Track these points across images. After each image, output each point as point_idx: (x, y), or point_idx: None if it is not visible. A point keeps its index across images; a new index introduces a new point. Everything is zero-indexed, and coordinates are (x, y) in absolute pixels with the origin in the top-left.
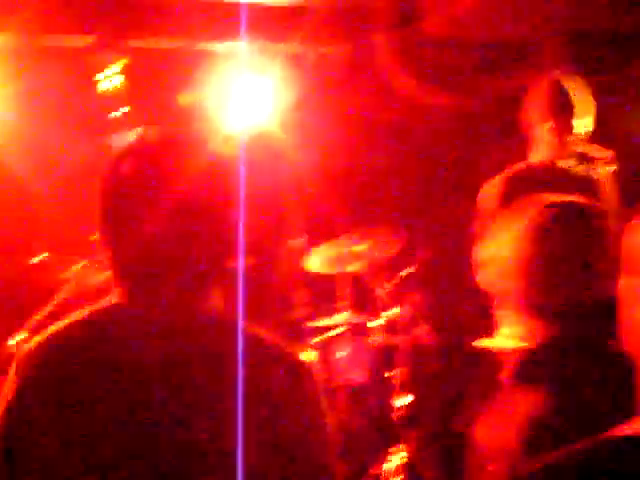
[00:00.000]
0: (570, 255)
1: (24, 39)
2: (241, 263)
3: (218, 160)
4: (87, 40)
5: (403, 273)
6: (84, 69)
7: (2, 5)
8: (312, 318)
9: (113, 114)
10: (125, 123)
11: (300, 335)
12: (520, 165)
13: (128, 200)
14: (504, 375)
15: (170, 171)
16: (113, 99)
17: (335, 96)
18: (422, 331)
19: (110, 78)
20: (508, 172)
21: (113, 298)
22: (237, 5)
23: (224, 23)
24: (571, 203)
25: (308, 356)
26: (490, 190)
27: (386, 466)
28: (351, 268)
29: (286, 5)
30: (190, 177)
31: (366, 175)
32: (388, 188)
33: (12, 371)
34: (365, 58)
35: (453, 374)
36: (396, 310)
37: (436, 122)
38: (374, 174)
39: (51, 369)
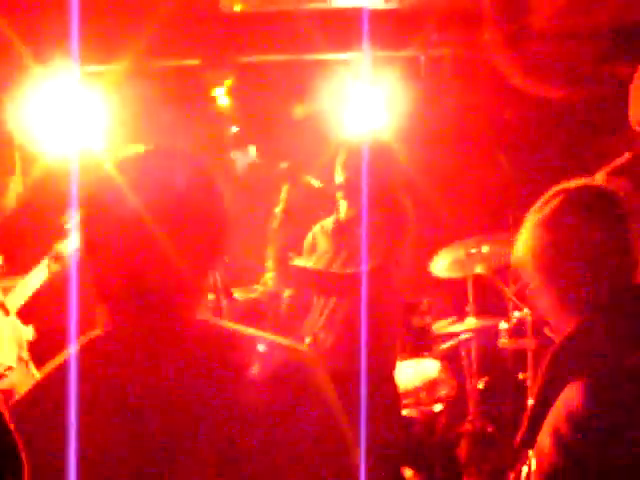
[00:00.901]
0: (584, 241)
1: (138, 64)
2: (364, 269)
3: (197, 171)
4: (199, 59)
5: None
6: (199, 88)
7: (116, 34)
8: (439, 323)
9: (230, 130)
10: (241, 138)
11: (427, 341)
12: (626, 156)
13: (103, 222)
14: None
15: (147, 185)
16: (228, 116)
17: (450, 98)
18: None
19: (223, 95)
20: (613, 164)
21: (98, 327)
22: (352, 13)
23: (337, 33)
24: (586, 187)
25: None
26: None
27: (523, 470)
28: (477, 271)
29: (396, 10)
30: (167, 189)
31: (488, 175)
32: (510, 187)
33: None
34: (477, 58)
35: None
36: (525, 311)
37: (552, 117)
38: (495, 174)
39: (44, 412)
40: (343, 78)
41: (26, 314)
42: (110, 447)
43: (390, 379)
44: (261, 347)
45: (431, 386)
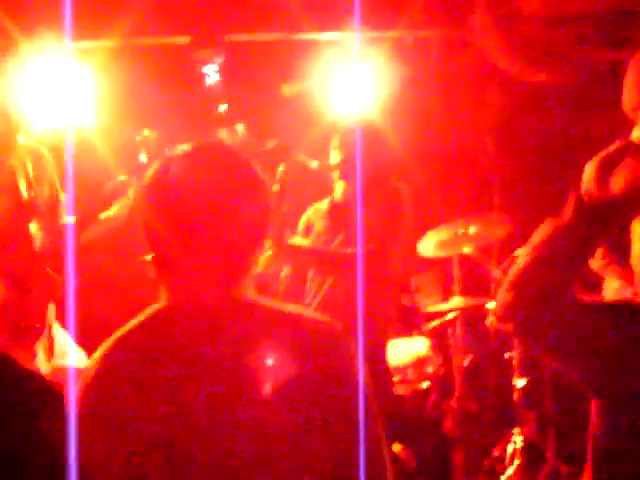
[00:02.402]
0: None
1: (127, 41)
2: (359, 250)
3: (251, 170)
4: (187, 38)
5: (516, 254)
6: (186, 66)
7: (106, 11)
8: (427, 302)
9: (218, 109)
10: (229, 118)
11: (415, 320)
12: (618, 144)
13: (169, 202)
14: None
15: (202, 172)
16: (216, 95)
17: (437, 80)
18: None
19: (212, 74)
20: (606, 151)
21: (160, 300)
22: None
23: (326, 13)
24: None
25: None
26: (588, 170)
27: (509, 447)
28: (464, 251)
29: None
30: (225, 185)
31: (475, 157)
32: (497, 169)
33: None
34: (465, 40)
35: None
36: None
37: (539, 100)
38: (482, 156)
39: (114, 373)
40: (332, 58)
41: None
42: (179, 404)
43: (383, 358)
44: (308, 323)
45: (419, 364)
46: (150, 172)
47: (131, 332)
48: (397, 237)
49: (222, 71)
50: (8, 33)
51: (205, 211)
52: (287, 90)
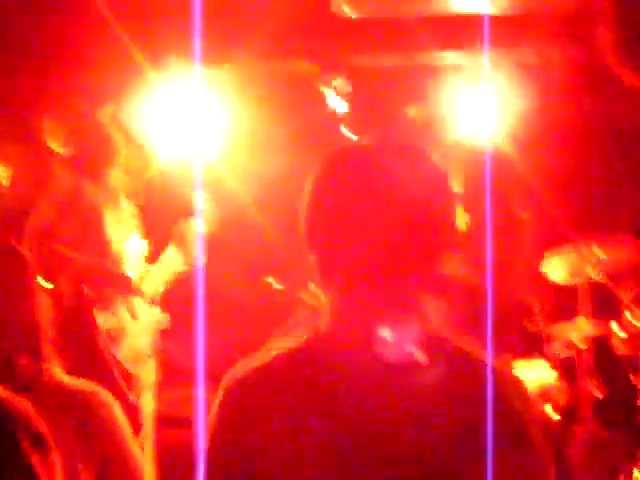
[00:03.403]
0: None
1: (255, 67)
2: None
3: (438, 170)
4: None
5: None
6: (312, 92)
7: (234, 38)
8: (552, 328)
9: (343, 132)
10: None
11: (540, 344)
12: None
13: (345, 208)
14: None
15: (389, 179)
16: (342, 119)
17: (565, 101)
18: None
19: (338, 98)
20: None
21: (323, 320)
22: (465, 17)
23: (452, 35)
24: None
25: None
26: None
27: (635, 471)
28: (592, 275)
29: (510, 14)
30: (410, 185)
31: (605, 179)
32: (627, 191)
33: (219, 399)
34: (591, 60)
35: None
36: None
37: None
38: (613, 178)
39: (258, 398)
40: (457, 80)
41: (163, 302)
42: (329, 439)
43: None
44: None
45: (544, 389)
46: (331, 166)
47: (283, 358)
48: (517, 271)
49: (349, 95)
50: (137, 60)
51: (399, 208)
52: (412, 113)
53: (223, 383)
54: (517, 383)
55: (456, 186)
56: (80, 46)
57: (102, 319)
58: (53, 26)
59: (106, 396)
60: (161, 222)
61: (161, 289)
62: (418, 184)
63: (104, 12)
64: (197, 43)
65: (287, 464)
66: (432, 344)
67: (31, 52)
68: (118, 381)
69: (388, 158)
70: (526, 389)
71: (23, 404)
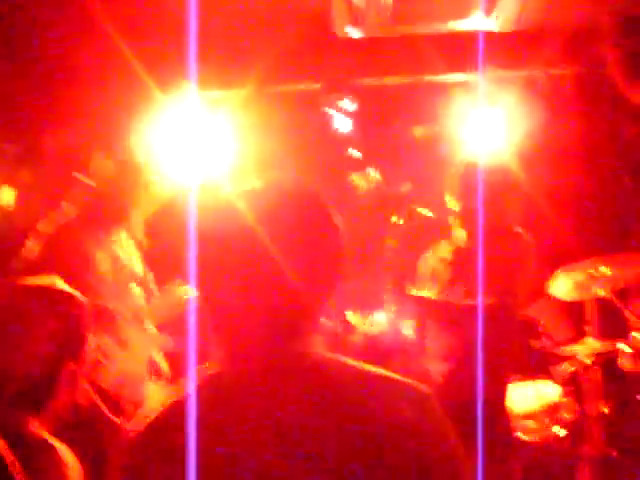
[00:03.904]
0: None
1: (260, 89)
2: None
3: (310, 204)
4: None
5: None
6: (319, 111)
7: (239, 61)
8: (559, 345)
9: (350, 153)
10: (361, 162)
11: (546, 363)
12: None
13: (224, 252)
14: None
15: (269, 209)
16: (348, 139)
17: (571, 118)
18: None
19: (344, 118)
20: None
21: (211, 364)
22: (470, 35)
23: (456, 54)
24: None
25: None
26: None
27: None
28: (598, 292)
29: (515, 31)
30: (292, 221)
31: (611, 196)
32: (631, 208)
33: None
34: (597, 76)
35: None
36: None
37: None
38: (618, 194)
39: (158, 446)
40: (463, 99)
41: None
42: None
43: (503, 411)
44: (386, 387)
45: (551, 409)
46: (214, 210)
47: (181, 405)
48: (519, 288)
49: (354, 115)
50: (144, 84)
51: (268, 251)
52: (419, 132)
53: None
54: (411, 391)
55: (454, 204)
56: (88, 69)
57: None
58: (60, 48)
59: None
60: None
61: (168, 316)
62: (296, 226)
63: (112, 34)
64: (194, 67)
65: None
66: (313, 368)
67: (37, 74)
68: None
69: (271, 203)
70: (421, 397)
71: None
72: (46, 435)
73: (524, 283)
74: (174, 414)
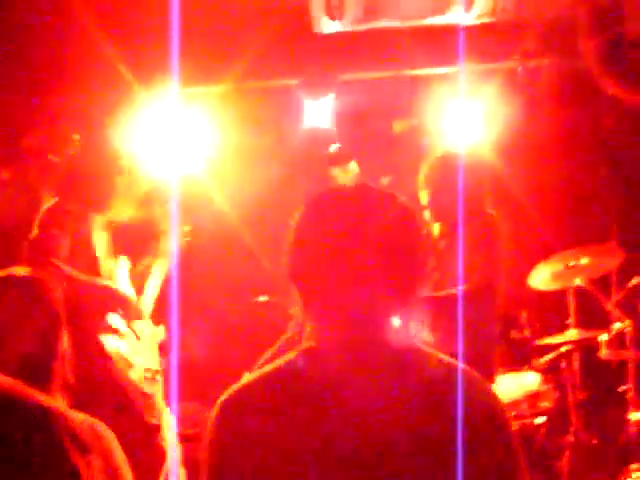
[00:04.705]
0: None
1: (240, 84)
2: (459, 290)
3: (406, 210)
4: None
5: (630, 284)
6: (298, 106)
7: (220, 57)
8: (539, 336)
9: (330, 147)
10: (342, 156)
11: (527, 354)
12: None
13: (322, 246)
14: None
15: (363, 221)
16: (327, 132)
17: (549, 110)
18: None
19: (321, 112)
20: None
21: (305, 341)
22: (449, 28)
23: (435, 48)
24: None
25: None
26: None
27: None
28: (576, 283)
29: (493, 23)
30: (381, 227)
31: (589, 187)
32: (610, 198)
33: (214, 418)
34: (575, 68)
35: None
36: (626, 322)
37: None
38: (596, 185)
39: (252, 414)
40: (443, 93)
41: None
42: (321, 448)
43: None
44: (470, 377)
45: (532, 398)
46: (313, 203)
47: (276, 373)
48: (496, 268)
49: (334, 110)
50: (125, 80)
51: (370, 246)
52: (398, 126)
53: (218, 404)
54: (485, 386)
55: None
56: (69, 66)
57: (110, 344)
58: (42, 46)
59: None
60: (140, 240)
61: (152, 304)
62: (388, 226)
63: (94, 32)
64: (176, 62)
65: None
66: (403, 355)
67: (19, 71)
68: (137, 405)
69: (364, 202)
70: (494, 392)
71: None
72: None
73: (499, 264)
74: (265, 387)
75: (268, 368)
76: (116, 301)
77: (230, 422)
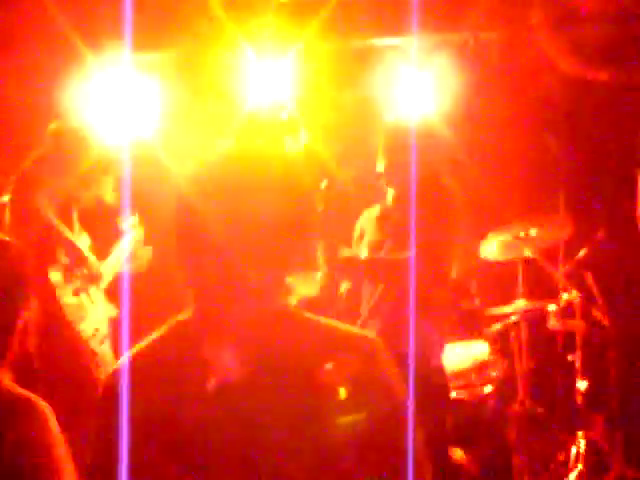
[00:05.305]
0: None
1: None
2: (412, 256)
3: (288, 171)
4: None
5: (578, 256)
6: (248, 75)
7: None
8: (489, 306)
9: (282, 115)
10: (292, 124)
11: (476, 323)
12: None
13: (200, 217)
14: None
15: (241, 185)
16: (279, 102)
17: (498, 82)
18: (599, 313)
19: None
20: None
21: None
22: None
23: (387, 18)
24: None
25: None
26: None
27: (572, 451)
28: (526, 254)
29: None
30: (261, 189)
31: (537, 158)
32: (559, 170)
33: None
34: (525, 41)
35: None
36: (573, 293)
37: (601, 100)
38: (545, 157)
39: (137, 380)
40: (393, 63)
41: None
42: (201, 412)
43: (438, 363)
44: (340, 333)
45: (481, 368)
46: (191, 167)
47: (153, 344)
48: (450, 236)
49: (285, 79)
50: (73, 45)
51: (240, 207)
52: (348, 96)
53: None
54: (364, 342)
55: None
56: (16, 31)
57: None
58: None
59: (44, 406)
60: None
61: (110, 279)
62: (273, 182)
63: None
64: (129, 28)
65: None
66: (282, 319)
67: None
68: (88, 357)
69: (244, 167)
70: (372, 347)
71: None
72: (17, 387)
73: (454, 233)
74: (147, 352)
75: (142, 345)
76: (84, 262)
77: (111, 391)
